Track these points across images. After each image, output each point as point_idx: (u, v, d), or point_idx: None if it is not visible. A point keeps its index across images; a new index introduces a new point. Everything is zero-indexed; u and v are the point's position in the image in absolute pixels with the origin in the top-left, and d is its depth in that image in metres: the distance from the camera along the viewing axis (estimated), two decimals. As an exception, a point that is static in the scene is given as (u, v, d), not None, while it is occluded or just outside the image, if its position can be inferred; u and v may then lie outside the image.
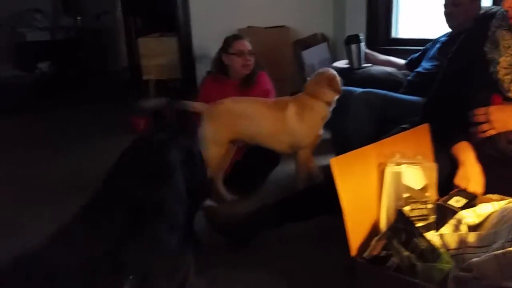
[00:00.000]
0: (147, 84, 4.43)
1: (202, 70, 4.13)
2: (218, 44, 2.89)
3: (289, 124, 2.34)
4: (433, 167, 1.54)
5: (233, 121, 2.35)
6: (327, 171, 1.49)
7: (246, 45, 2.77)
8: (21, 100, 5.06)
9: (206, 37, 3.89)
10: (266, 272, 1.82)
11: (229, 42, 2.79)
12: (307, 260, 1.90)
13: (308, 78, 2.55)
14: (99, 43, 6.52)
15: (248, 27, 3.95)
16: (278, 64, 3.67)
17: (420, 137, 1.63)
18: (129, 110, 3.82)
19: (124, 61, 6.56)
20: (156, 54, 4.32)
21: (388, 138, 1.59)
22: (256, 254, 1.93)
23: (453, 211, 1.49)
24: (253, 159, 2.61)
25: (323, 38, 4.10)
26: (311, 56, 3.96)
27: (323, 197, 1.81)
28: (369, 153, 1.48)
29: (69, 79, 5.69)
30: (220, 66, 2.82)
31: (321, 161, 2.60)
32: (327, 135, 2.69)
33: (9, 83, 5.43)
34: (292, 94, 3.65)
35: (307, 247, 1.98)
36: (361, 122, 2.37)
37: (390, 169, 1.46)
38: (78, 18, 6.38)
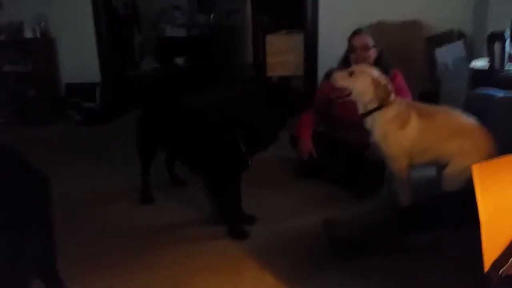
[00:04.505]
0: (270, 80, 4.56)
1: (324, 67, 4.13)
2: (344, 40, 2.85)
3: None
4: None
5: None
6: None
7: (361, 39, 2.65)
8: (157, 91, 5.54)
9: (333, 33, 3.85)
10: (380, 283, 1.76)
11: (349, 39, 2.73)
12: (430, 273, 1.79)
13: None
14: (228, 40, 6.87)
15: (379, 22, 3.81)
16: (407, 62, 3.49)
17: None
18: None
19: (249, 58, 6.85)
20: (282, 51, 4.42)
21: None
22: (372, 263, 1.87)
23: None
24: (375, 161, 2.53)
25: (460, 35, 3.80)
26: (444, 54, 3.70)
27: (446, 209, 1.72)
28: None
29: (201, 73, 6.07)
30: (345, 63, 2.76)
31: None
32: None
33: (149, 74, 5.94)
34: (420, 94, 3.49)
35: (431, 260, 1.87)
36: (502, 129, 2.13)
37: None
38: (211, 15, 6.77)
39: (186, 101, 2.53)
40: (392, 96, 2.20)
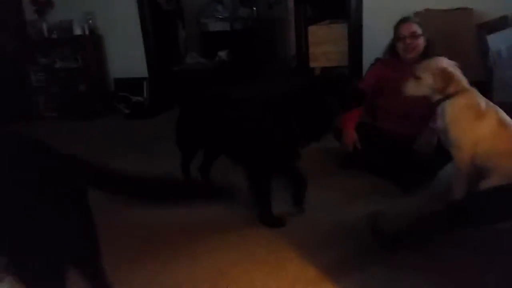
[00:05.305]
0: (313, 71, 4.50)
1: (369, 57, 4.03)
2: (389, 29, 2.76)
3: None
4: None
5: None
6: None
7: (408, 27, 2.58)
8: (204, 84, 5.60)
9: (378, 22, 3.75)
10: (428, 278, 1.70)
11: (395, 27, 2.66)
12: (480, 267, 1.72)
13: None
14: (271, 32, 6.85)
15: (426, 9, 3.66)
16: (458, 50, 3.33)
17: None
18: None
19: (292, 49, 6.80)
20: (325, 41, 4.35)
21: None
22: (420, 258, 1.81)
23: None
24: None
25: (515, 21, 3.59)
26: (497, 41, 3.52)
27: (500, 203, 1.67)
28: None
29: (244, 67, 6.07)
30: (392, 53, 2.69)
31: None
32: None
33: (193, 69, 6.01)
34: (471, 84, 3.32)
35: (481, 254, 1.80)
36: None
37: None
38: (254, 8, 6.76)
39: (233, 94, 2.50)
40: (464, 83, 2.17)
